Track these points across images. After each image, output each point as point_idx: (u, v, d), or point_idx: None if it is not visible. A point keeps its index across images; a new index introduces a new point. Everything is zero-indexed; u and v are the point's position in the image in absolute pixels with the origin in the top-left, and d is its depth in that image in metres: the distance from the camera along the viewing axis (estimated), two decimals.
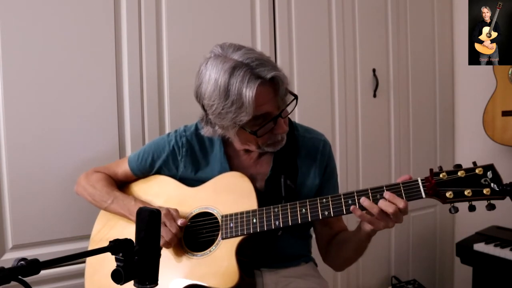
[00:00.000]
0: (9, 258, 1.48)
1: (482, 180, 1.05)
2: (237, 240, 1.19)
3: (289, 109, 1.21)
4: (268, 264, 1.30)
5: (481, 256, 2.10)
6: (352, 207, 1.10)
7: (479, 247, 2.11)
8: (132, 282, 0.82)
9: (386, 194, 1.08)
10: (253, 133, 1.15)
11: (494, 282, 2.14)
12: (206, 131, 1.25)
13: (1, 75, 1.47)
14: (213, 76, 1.11)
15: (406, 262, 2.54)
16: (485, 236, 2.20)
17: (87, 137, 1.61)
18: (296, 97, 1.18)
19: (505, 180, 1.06)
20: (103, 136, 1.64)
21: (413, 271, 2.56)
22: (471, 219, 2.54)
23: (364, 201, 1.09)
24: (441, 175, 1.08)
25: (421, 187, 1.08)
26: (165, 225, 1.20)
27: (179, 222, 1.22)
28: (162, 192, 1.36)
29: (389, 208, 1.06)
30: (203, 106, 1.19)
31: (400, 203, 1.07)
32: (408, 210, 1.10)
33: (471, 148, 2.61)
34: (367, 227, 1.14)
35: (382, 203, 1.08)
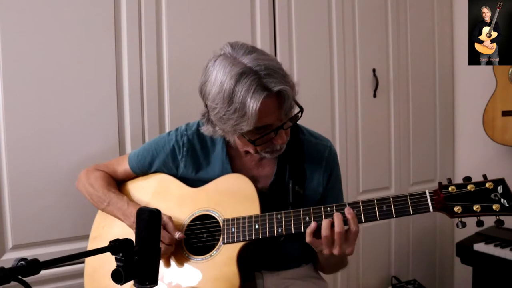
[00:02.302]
0: (9, 258, 1.48)
1: (492, 195, 1.02)
2: (238, 245, 1.17)
3: (293, 120, 1.17)
4: (269, 266, 1.29)
5: (481, 256, 2.10)
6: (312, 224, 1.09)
7: (479, 247, 2.11)
8: (132, 282, 0.82)
9: (348, 211, 1.08)
10: (252, 142, 1.13)
11: (494, 282, 2.14)
12: (206, 130, 1.22)
13: (1, 75, 1.47)
14: (219, 78, 1.07)
15: (406, 262, 2.54)
16: (485, 236, 2.21)
17: (87, 137, 1.61)
18: (301, 109, 1.13)
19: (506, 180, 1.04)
20: (103, 136, 1.64)
21: (413, 271, 2.56)
22: (471, 219, 2.55)
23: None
24: (450, 189, 1.04)
25: (429, 200, 1.05)
26: None
27: (177, 235, 1.19)
28: (161, 191, 1.34)
29: (338, 228, 1.07)
30: (206, 104, 1.17)
31: (354, 225, 1.07)
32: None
33: (471, 148, 2.61)
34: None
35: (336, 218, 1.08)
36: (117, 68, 1.67)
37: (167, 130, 1.74)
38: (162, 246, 1.16)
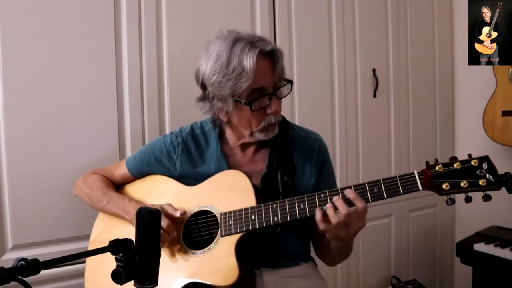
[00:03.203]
0: (9, 258, 1.48)
1: (478, 172, 1.06)
2: (236, 237, 1.19)
3: (284, 92, 1.25)
4: (268, 264, 1.30)
5: (481, 256, 2.10)
6: (327, 205, 1.10)
7: (479, 247, 2.11)
8: (132, 282, 0.82)
9: (348, 192, 1.10)
10: (248, 104, 1.18)
11: (494, 282, 2.13)
12: (203, 108, 1.27)
13: (1, 75, 1.47)
14: (215, 51, 1.18)
15: (406, 262, 2.54)
16: (485, 236, 2.20)
17: (87, 136, 1.61)
18: (291, 82, 1.24)
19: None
20: (103, 136, 1.64)
21: (413, 271, 2.56)
22: (471, 219, 2.55)
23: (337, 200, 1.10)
24: (437, 168, 1.08)
25: (417, 179, 1.09)
26: None
27: (178, 213, 1.23)
28: (159, 191, 1.36)
29: (343, 210, 1.07)
30: (202, 82, 1.23)
31: (360, 202, 1.08)
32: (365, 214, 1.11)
33: (471, 148, 2.59)
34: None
35: (338, 203, 1.09)
36: (117, 68, 1.67)
37: (167, 130, 1.74)
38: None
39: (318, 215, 1.10)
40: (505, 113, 2.20)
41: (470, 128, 2.60)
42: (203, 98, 1.26)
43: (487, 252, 2.07)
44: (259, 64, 1.15)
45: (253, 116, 1.21)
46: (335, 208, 1.09)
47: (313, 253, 1.45)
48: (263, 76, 1.18)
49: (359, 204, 1.09)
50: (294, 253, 1.36)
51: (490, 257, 2.06)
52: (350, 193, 1.10)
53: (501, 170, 1.07)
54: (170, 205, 1.26)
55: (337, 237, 1.15)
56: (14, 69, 1.49)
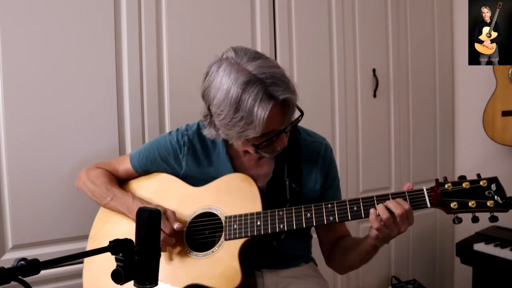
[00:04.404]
0: (9, 258, 1.48)
1: (486, 192, 1.07)
2: (240, 241, 1.18)
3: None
4: (269, 265, 1.30)
5: (481, 256, 2.10)
6: (371, 210, 1.11)
7: (479, 247, 2.11)
8: (132, 282, 0.82)
9: (391, 202, 1.09)
10: (255, 146, 1.16)
11: (494, 282, 2.14)
12: (209, 133, 1.24)
13: (1, 74, 1.47)
14: (224, 85, 1.08)
15: (406, 262, 2.54)
16: (485, 236, 2.21)
17: (87, 137, 1.61)
18: (302, 113, 1.17)
19: (505, 182, 1.08)
20: (103, 136, 1.64)
21: (413, 271, 2.56)
22: (467, 215, 2.54)
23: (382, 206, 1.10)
24: (446, 186, 1.09)
25: (426, 196, 1.10)
26: None
27: (176, 226, 1.20)
28: (164, 190, 1.35)
29: (396, 209, 1.07)
30: (209, 109, 1.17)
31: (406, 205, 1.08)
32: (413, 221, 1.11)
33: (471, 148, 2.61)
34: (373, 233, 1.13)
35: (390, 203, 1.09)
36: (117, 68, 1.66)
37: (167, 130, 1.74)
38: (162, 235, 1.17)
39: (373, 213, 1.10)
40: (505, 113, 2.20)
41: (470, 128, 2.60)
42: (210, 124, 1.21)
43: (487, 252, 2.08)
44: (270, 115, 1.07)
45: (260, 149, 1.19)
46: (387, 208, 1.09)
47: (314, 254, 1.45)
48: (273, 123, 1.11)
49: (405, 204, 1.09)
50: (295, 254, 1.36)
51: (490, 257, 2.06)
52: (390, 203, 1.09)
53: (500, 170, 1.07)
54: (173, 213, 1.25)
55: (388, 236, 1.13)
56: (14, 69, 1.49)
